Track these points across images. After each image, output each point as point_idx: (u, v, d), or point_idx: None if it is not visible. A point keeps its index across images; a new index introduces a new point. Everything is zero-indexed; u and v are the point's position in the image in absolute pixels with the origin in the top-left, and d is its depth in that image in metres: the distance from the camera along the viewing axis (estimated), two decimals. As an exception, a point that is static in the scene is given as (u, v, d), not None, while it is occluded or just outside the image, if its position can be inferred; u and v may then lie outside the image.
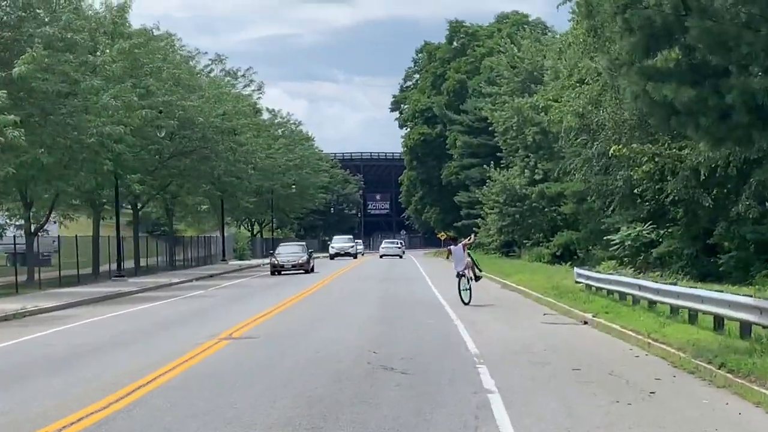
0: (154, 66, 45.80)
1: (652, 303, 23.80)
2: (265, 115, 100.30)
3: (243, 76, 75.49)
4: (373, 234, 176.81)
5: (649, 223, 53.19)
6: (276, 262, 58.23)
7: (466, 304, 29.69)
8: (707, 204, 29.98)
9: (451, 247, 31.52)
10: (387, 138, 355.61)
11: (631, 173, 32.29)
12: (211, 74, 71.16)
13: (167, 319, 28.12)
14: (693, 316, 20.81)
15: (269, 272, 57.92)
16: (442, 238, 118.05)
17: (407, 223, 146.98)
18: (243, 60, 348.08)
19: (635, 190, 32.84)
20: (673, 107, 14.79)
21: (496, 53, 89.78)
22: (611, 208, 35.68)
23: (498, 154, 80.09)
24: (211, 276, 55.97)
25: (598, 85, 32.28)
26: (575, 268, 33.40)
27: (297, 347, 19.71)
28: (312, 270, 58.71)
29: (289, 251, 60.53)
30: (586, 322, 24.54)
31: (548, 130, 60.63)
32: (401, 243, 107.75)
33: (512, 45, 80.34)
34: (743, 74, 14.17)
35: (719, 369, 14.88)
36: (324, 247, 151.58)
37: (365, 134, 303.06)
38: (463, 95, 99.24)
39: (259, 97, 79.04)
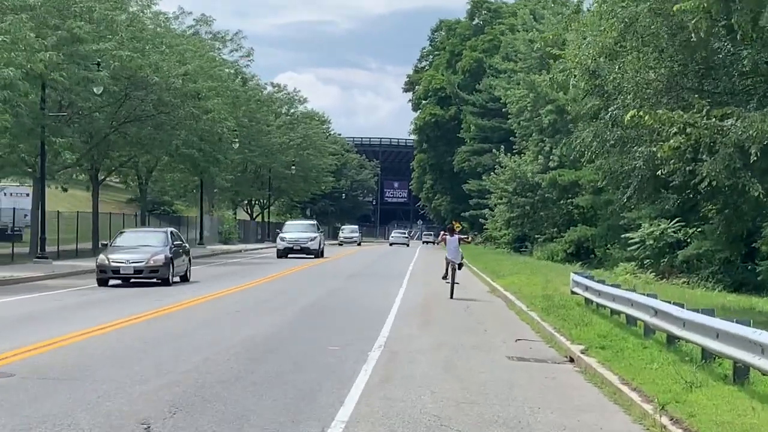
0: (84, 5, 37.22)
1: (673, 338, 15.06)
2: (268, 89, 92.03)
3: (231, 40, 67.06)
4: (389, 223, 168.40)
5: (676, 220, 44.45)
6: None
7: (451, 297, 28.15)
8: (757, 194, 21.11)
9: (447, 237, 30.10)
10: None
11: (654, 149, 23.41)
12: (193, 36, 62.79)
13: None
14: (742, 371, 12.09)
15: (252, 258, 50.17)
16: (458, 230, 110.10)
17: (422, 212, 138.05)
18: (276, 45, 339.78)
19: (659, 173, 23.92)
20: None
21: (516, 31, 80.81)
22: (626, 197, 26.70)
23: (512, 138, 71.27)
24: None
25: (618, 28, 23.46)
26: (572, 273, 24.61)
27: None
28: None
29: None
30: (572, 360, 15.92)
31: (565, 109, 51.91)
32: (408, 234, 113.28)
33: (532, 18, 71.24)
34: None
35: None
36: (335, 235, 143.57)
37: (395, 123, 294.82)
38: (479, 75, 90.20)
39: (247, 65, 70.78)
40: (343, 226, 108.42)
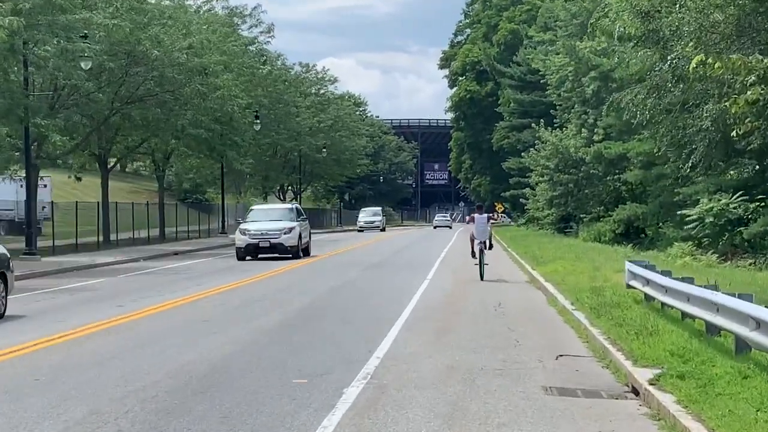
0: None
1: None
2: (296, 69, 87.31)
3: (249, 15, 62.33)
4: (430, 206, 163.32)
5: (739, 193, 39.20)
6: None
7: (482, 279, 27.24)
8: None
9: (476, 215, 29.12)
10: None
11: (726, 105, 18.35)
12: (209, 11, 58.17)
13: None
14: None
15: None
16: (500, 211, 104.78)
17: (463, 194, 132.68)
18: (316, 31, 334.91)
19: (732, 134, 18.84)
20: None
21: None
22: (690, 165, 21.59)
23: (552, 112, 65.97)
24: (176, 254, 43.17)
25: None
26: (627, 262, 19.45)
27: None
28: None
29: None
30: (635, 391, 11.05)
31: (610, 75, 46.84)
32: (450, 217, 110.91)
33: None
34: None
35: None
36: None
37: (438, 104, 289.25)
38: (515, 48, 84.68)
39: (268, 42, 65.96)
40: (363, 209, 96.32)
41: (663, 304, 16.38)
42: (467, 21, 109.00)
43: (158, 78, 41.40)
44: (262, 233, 37.97)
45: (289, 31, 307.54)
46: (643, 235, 50.46)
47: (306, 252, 39.86)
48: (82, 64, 35.04)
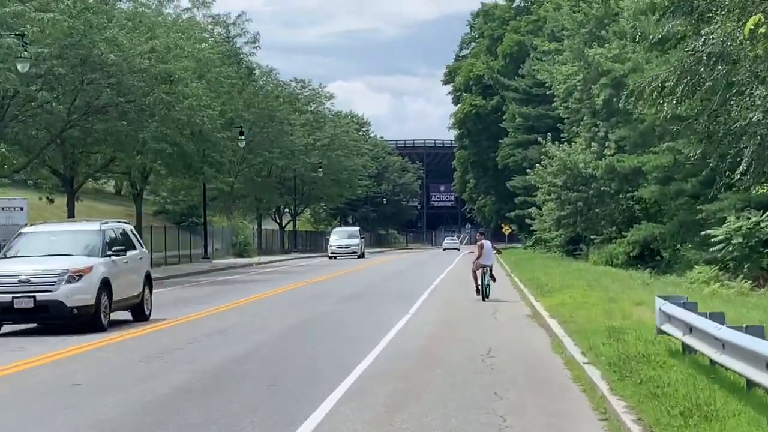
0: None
1: None
2: (292, 85, 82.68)
3: (233, 24, 57.59)
4: (437, 228, 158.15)
5: (769, 210, 34.35)
6: None
7: (486, 299, 26.50)
8: None
9: (484, 242, 28.03)
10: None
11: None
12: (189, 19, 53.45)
13: None
14: None
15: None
16: (507, 233, 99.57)
17: (470, 216, 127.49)
18: (325, 54, 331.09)
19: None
20: None
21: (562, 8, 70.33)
22: (740, 172, 16.49)
23: (560, 126, 61.06)
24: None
25: None
26: (658, 299, 14.20)
27: None
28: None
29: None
30: None
31: (623, 81, 42.01)
32: (458, 240, 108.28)
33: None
34: None
35: None
36: (379, 242, 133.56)
37: (446, 127, 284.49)
38: (521, 60, 79.73)
39: (253, 53, 61.18)
40: (335, 229, 78.16)
41: (713, 360, 11.36)
42: (473, 34, 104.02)
43: (116, 86, 36.58)
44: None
45: (297, 55, 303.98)
46: (658, 258, 45.55)
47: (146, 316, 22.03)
48: (19, 66, 30.25)
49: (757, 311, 20.64)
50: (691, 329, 11.90)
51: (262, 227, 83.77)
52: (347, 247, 66.61)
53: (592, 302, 23.37)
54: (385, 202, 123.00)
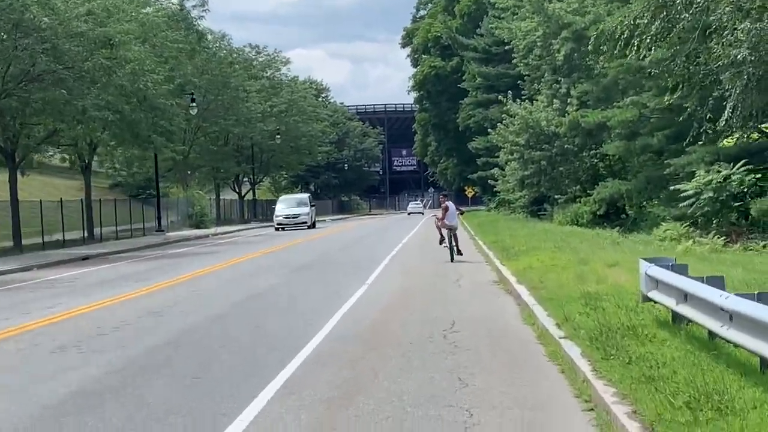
0: None
1: None
2: (246, 51, 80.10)
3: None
4: (400, 192, 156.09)
5: (741, 163, 32.74)
6: None
7: (453, 260, 26.44)
8: None
9: (448, 203, 27.96)
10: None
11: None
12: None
13: None
14: None
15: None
16: (470, 196, 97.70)
17: (432, 179, 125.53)
18: (284, 23, 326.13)
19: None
20: None
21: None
22: (725, 119, 14.62)
23: (520, 84, 59.16)
24: (85, 258, 35.97)
25: None
26: (643, 264, 12.19)
27: None
28: None
29: None
30: None
31: (585, 34, 40.21)
32: (422, 204, 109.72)
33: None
34: None
35: None
36: (342, 208, 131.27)
37: (405, 91, 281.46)
38: (479, 19, 77.44)
39: (202, 16, 58.64)
40: (282, 197, 68.03)
41: (713, 333, 9.53)
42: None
43: (51, 51, 34.14)
44: None
45: (255, 24, 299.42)
46: (624, 216, 43.97)
47: None
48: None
49: (737, 269, 18.92)
50: (686, 297, 10.05)
51: (221, 197, 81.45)
52: (296, 216, 59.30)
53: (562, 265, 21.61)
54: (346, 168, 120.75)
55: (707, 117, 17.41)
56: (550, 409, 8.86)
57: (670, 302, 10.50)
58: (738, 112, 14.37)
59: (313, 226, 59.78)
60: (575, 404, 9.00)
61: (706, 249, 27.78)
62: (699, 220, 33.40)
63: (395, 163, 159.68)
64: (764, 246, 27.90)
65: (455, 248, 27.31)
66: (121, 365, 11.84)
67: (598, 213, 44.94)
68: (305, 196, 65.23)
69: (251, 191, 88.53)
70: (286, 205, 60.86)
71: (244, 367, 11.33)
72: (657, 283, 11.37)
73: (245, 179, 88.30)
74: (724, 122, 15.36)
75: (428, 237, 36.65)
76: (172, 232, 55.51)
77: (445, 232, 27.52)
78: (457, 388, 9.81)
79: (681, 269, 11.36)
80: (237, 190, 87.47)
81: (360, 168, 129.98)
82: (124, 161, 63.51)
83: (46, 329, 15.59)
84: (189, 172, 73.19)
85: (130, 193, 72.72)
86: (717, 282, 9.84)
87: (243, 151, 79.98)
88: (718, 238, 29.96)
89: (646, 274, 11.54)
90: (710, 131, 19.58)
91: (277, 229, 57.99)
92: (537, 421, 8.43)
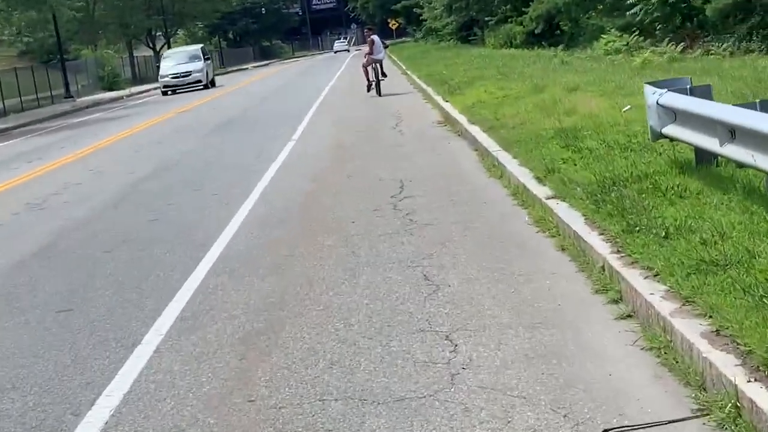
0: None
1: None
2: None
3: None
4: (322, 32, 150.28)
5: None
6: None
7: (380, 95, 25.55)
8: None
9: (374, 37, 26.72)
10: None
11: None
12: None
13: None
14: None
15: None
16: (394, 28, 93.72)
17: (353, 15, 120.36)
18: None
19: None
20: None
21: None
22: None
23: None
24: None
25: None
26: (650, 90, 9.02)
27: None
28: None
29: None
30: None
31: None
32: (347, 42, 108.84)
33: None
34: None
35: None
36: (264, 54, 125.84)
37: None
38: None
39: None
40: (166, 52, 56.33)
41: (736, 161, 6.54)
42: None
43: None
44: None
45: None
46: (558, 32, 40.89)
47: None
48: None
49: (713, 77, 15.80)
50: (733, 132, 6.95)
51: (135, 55, 76.34)
52: (187, 74, 46.76)
53: (515, 95, 18.58)
54: (263, 12, 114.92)
55: None
56: (572, 315, 5.87)
57: (708, 142, 7.41)
58: None
59: (211, 84, 48.31)
60: (606, 312, 6.00)
61: (665, 59, 24.86)
62: (646, 28, 30.57)
63: (314, 1, 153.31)
64: (725, 49, 25.10)
65: (380, 73, 26.35)
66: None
67: (535, 32, 41.82)
68: (197, 47, 52.06)
69: (166, 45, 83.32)
70: (174, 62, 47.98)
71: (130, 296, 8.13)
72: (675, 115, 8.28)
73: (159, 33, 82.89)
74: None
75: (356, 78, 33.24)
76: (84, 98, 51.13)
77: (371, 70, 26.30)
78: (426, 295, 6.77)
79: (703, 92, 8.28)
80: (152, 46, 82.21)
81: (278, 11, 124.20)
82: (25, 26, 58.12)
83: None
84: (97, 33, 67.89)
85: (41, 59, 67.62)
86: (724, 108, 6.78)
87: (152, 3, 74.46)
88: (674, 45, 27.07)
89: (657, 104, 8.42)
90: None
91: (164, 92, 46.59)
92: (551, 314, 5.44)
